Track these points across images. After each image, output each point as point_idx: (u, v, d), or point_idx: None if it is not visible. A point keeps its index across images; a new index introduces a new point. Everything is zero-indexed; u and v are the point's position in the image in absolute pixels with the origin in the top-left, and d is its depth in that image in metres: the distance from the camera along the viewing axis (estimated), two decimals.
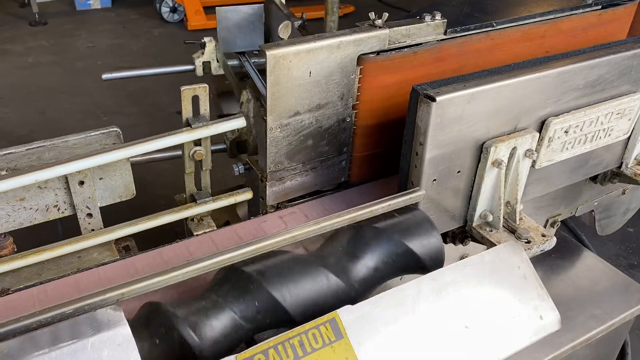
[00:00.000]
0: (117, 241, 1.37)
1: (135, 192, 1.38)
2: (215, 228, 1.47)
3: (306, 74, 1.25)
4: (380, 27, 1.30)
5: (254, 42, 2.04)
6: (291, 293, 1.00)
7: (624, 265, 2.90)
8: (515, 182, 1.30)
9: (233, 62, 2.04)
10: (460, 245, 1.40)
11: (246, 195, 1.48)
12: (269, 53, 1.19)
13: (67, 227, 1.43)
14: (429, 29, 1.36)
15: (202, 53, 2.05)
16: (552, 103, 1.29)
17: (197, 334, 0.91)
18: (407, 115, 1.19)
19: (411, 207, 1.22)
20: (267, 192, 1.40)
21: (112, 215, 1.41)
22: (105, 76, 2.00)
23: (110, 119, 3.97)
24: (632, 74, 1.39)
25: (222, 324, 0.94)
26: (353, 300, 1.00)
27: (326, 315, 0.95)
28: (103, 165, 1.28)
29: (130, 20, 5.87)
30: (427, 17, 1.35)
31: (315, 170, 1.44)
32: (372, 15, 1.32)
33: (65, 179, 1.25)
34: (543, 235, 1.30)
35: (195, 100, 1.33)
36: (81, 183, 1.27)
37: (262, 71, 1.86)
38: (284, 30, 1.72)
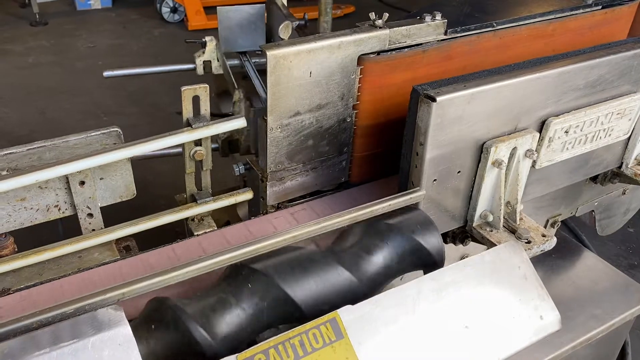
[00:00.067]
0: (118, 241, 1.37)
1: (135, 192, 1.38)
2: (216, 228, 1.47)
3: (307, 74, 1.25)
4: (380, 28, 1.31)
5: (255, 41, 2.04)
6: (303, 288, 1.00)
7: (624, 265, 2.90)
8: (516, 182, 1.30)
9: (234, 62, 2.04)
10: (461, 245, 1.41)
11: (246, 195, 1.48)
12: (269, 53, 1.19)
13: (67, 227, 1.43)
14: (430, 29, 1.36)
15: (203, 52, 2.05)
16: (552, 103, 1.29)
17: (207, 330, 0.91)
18: (407, 115, 1.19)
19: (411, 207, 1.22)
20: (267, 192, 1.40)
21: (113, 215, 1.41)
22: (106, 73, 2.02)
23: (111, 119, 3.97)
24: (633, 74, 1.39)
25: (231, 321, 0.95)
26: (365, 296, 1.00)
27: (326, 315, 0.95)
28: (104, 166, 1.28)
29: (130, 21, 5.87)
30: (428, 18, 1.35)
31: (315, 170, 1.44)
32: (372, 15, 1.32)
33: (66, 179, 1.26)
34: (543, 236, 1.31)
35: (196, 100, 1.34)
36: (82, 183, 1.27)
37: (262, 71, 1.86)
38: (284, 30, 1.72)
